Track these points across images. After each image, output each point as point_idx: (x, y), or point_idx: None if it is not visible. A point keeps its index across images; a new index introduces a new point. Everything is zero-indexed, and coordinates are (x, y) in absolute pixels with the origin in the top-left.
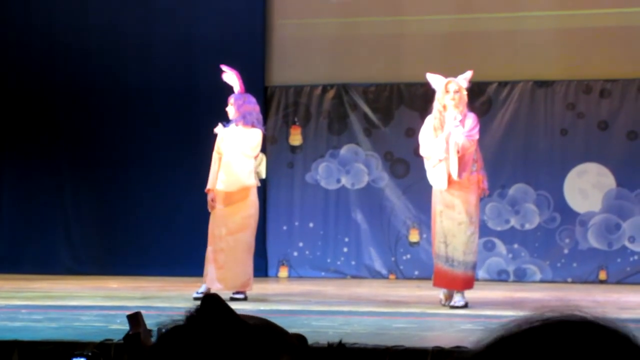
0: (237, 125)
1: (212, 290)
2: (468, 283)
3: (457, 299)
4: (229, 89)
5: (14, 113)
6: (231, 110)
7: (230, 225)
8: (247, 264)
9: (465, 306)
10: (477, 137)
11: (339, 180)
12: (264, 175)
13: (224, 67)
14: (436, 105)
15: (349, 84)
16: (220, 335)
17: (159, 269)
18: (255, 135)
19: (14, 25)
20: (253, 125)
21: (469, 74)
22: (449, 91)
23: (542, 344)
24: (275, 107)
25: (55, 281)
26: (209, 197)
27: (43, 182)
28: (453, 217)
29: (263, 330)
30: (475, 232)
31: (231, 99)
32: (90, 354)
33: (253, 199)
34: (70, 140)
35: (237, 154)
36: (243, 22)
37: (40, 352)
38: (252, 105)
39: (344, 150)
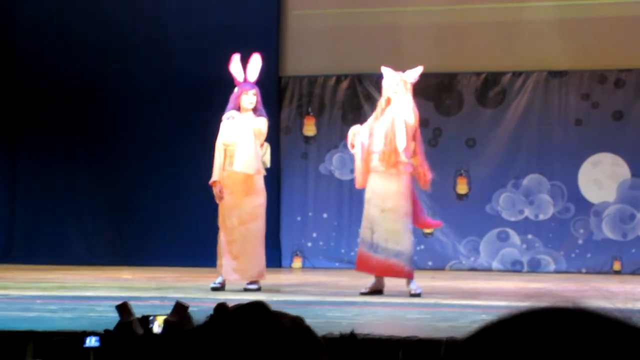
0: (254, 114)
1: (229, 281)
2: (396, 271)
3: (413, 287)
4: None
5: (28, 105)
6: (252, 99)
7: (242, 215)
8: (261, 253)
9: (419, 295)
10: (412, 120)
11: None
12: (268, 164)
13: (256, 55)
14: (383, 97)
15: (362, 74)
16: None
17: (173, 259)
18: (264, 123)
19: (30, 24)
20: (262, 115)
21: (419, 70)
22: (391, 85)
23: (523, 330)
24: (289, 97)
25: (70, 272)
26: (217, 189)
27: (57, 174)
28: (377, 204)
29: (299, 334)
30: (402, 222)
31: (253, 90)
32: (103, 332)
33: (261, 187)
34: (84, 131)
35: (251, 139)
36: (258, 13)
37: (55, 342)
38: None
39: None
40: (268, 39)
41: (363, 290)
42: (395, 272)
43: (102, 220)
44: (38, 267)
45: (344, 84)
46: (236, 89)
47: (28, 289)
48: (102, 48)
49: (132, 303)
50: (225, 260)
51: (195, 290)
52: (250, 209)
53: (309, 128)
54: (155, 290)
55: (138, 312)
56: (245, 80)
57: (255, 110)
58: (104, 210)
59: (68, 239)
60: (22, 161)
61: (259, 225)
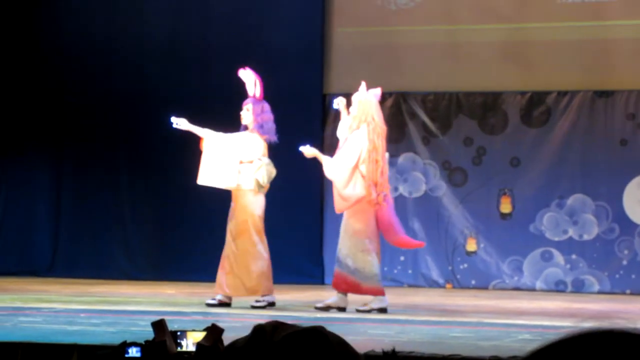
0: (252, 132)
1: (220, 295)
2: (352, 288)
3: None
4: (287, 97)
5: (73, 120)
6: (247, 116)
7: (232, 231)
8: (251, 269)
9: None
10: (352, 159)
11: (396, 189)
12: (262, 181)
13: (244, 70)
14: None
15: (407, 92)
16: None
17: (215, 275)
18: (255, 140)
19: (75, 37)
20: (268, 135)
21: (362, 86)
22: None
23: (580, 351)
24: (334, 114)
25: (113, 286)
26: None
27: (101, 188)
28: None
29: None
30: (352, 240)
31: (248, 105)
32: (144, 342)
33: (247, 202)
34: (127, 146)
35: (226, 153)
36: (302, 30)
37: (98, 356)
38: (269, 115)
39: (401, 159)
40: (313, 56)
41: (318, 305)
42: (352, 289)
43: (145, 235)
44: (82, 281)
45: (389, 102)
46: None
47: (72, 303)
48: (146, 62)
49: (174, 318)
50: (218, 274)
51: (236, 305)
52: (235, 225)
53: None
54: (196, 305)
55: (180, 327)
56: (252, 95)
57: (261, 127)
58: (148, 225)
59: (111, 253)
60: (66, 176)
61: (244, 241)
